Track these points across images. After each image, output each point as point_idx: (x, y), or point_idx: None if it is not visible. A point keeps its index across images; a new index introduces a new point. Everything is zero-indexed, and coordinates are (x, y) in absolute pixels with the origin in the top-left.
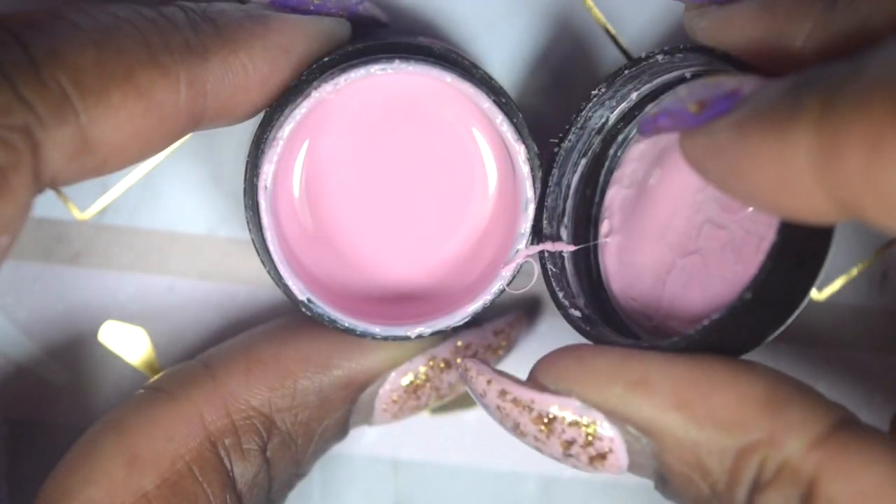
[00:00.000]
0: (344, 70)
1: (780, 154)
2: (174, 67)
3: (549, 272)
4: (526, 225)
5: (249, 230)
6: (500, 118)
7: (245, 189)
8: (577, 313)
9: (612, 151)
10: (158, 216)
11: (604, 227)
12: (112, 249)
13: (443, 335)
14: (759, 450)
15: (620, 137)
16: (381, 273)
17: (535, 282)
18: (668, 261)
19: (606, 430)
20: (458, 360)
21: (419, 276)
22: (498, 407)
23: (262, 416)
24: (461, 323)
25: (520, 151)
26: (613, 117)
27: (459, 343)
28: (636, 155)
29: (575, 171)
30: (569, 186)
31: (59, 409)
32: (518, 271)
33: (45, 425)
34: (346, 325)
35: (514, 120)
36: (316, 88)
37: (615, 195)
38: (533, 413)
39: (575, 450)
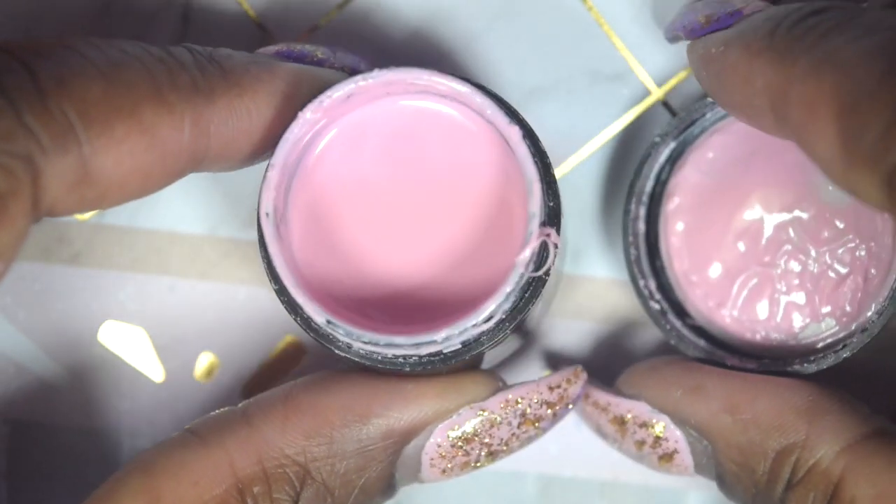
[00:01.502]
0: (327, 91)
1: (747, 77)
2: (180, 106)
3: (632, 257)
4: (534, 206)
5: (265, 268)
6: (484, 103)
7: (258, 224)
8: (657, 306)
9: (691, 131)
10: (158, 216)
11: (672, 203)
12: (112, 249)
13: (473, 349)
14: (795, 451)
15: (700, 121)
16: (399, 283)
17: (552, 263)
18: (742, 262)
19: (671, 431)
20: (507, 413)
21: (438, 279)
22: (583, 409)
23: (296, 465)
24: (488, 321)
25: (513, 133)
26: (709, 112)
27: (510, 397)
28: (718, 144)
29: (661, 154)
30: (651, 168)
31: (59, 409)
32: (536, 254)
33: (45, 425)
34: (368, 339)
35: (500, 104)
36: (300, 110)
37: (689, 175)
38: (609, 415)
39: (646, 450)
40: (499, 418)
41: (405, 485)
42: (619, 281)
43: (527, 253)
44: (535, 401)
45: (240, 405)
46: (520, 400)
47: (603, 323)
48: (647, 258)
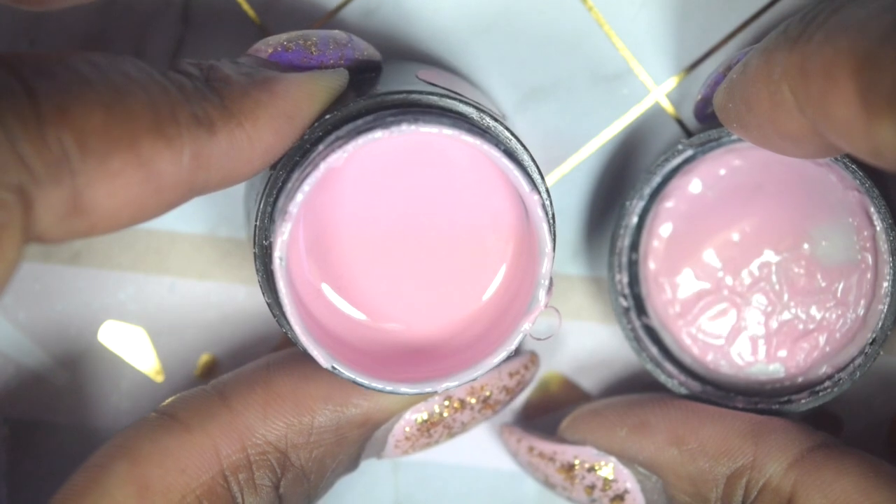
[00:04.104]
0: (350, 138)
1: (768, 75)
2: (179, 139)
3: (616, 249)
4: (545, 276)
5: (265, 296)
6: (510, 167)
7: (255, 255)
8: (624, 303)
9: (710, 145)
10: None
11: (666, 203)
12: (112, 249)
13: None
14: (745, 474)
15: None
16: (403, 327)
17: (558, 329)
18: (716, 284)
19: (620, 471)
20: (473, 401)
21: (441, 327)
22: (529, 462)
23: (278, 451)
24: (486, 372)
25: (534, 199)
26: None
27: (475, 384)
28: (731, 165)
29: (677, 160)
30: (663, 170)
31: (59, 409)
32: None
33: (45, 425)
34: (375, 386)
35: (526, 167)
36: (324, 159)
37: (692, 183)
38: (556, 464)
39: (597, 494)
40: (464, 405)
41: (366, 459)
42: None
43: (531, 320)
44: (498, 387)
45: (212, 384)
46: (484, 386)
47: (603, 323)
48: (628, 252)
